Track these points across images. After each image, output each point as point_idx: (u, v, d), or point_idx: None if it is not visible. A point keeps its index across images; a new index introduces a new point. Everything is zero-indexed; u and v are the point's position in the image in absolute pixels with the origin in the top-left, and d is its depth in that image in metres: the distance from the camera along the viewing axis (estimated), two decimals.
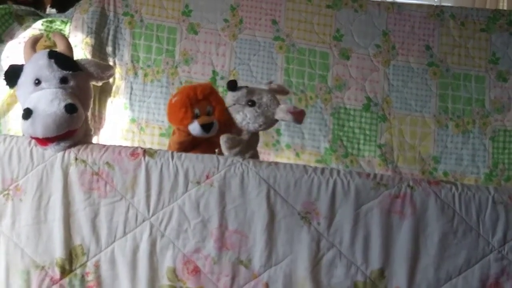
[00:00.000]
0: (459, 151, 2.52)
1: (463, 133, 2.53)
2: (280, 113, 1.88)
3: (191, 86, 1.96)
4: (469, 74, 2.59)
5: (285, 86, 2.11)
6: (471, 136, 2.53)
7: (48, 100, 1.69)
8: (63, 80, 1.76)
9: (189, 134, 1.86)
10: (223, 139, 1.82)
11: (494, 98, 2.56)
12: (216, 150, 1.89)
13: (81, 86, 1.81)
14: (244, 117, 1.89)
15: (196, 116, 1.86)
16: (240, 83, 2.44)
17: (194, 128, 1.84)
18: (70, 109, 1.68)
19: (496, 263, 1.59)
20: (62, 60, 1.80)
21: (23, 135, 1.75)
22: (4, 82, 1.83)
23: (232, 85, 1.93)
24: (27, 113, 1.68)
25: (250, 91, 1.93)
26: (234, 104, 1.91)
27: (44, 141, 1.70)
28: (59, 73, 1.76)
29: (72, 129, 1.71)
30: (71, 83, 1.77)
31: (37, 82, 1.74)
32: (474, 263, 1.60)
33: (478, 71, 2.60)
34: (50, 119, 1.67)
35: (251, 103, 1.90)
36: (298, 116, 1.89)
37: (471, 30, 2.64)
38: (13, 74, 1.81)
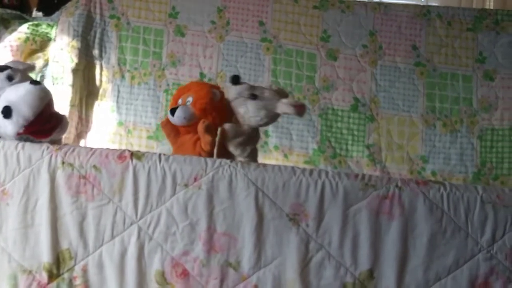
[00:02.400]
0: (447, 150, 2.53)
1: (451, 132, 2.54)
2: (283, 106, 1.92)
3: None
4: (456, 74, 2.61)
5: (284, 89, 2.13)
6: (458, 136, 2.54)
7: (15, 91, 1.74)
8: (10, 77, 1.83)
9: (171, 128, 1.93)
10: (226, 127, 1.87)
11: (481, 97, 2.57)
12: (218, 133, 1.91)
13: (23, 76, 1.86)
14: (246, 111, 1.93)
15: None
16: (229, 85, 2.47)
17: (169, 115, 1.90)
18: (35, 82, 1.78)
19: (485, 262, 1.59)
20: None
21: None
22: None
23: (235, 79, 1.96)
24: (8, 110, 1.70)
25: (252, 86, 1.97)
26: (236, 98, 1.94)
27: (38, 133, 1.75)
28: (2, 75, 1.83)
29: (48, 102, 1.78)
30: (16, 77, 1.84)
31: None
32: (463, 263, 1.60)
33: (465, 70, 2.61)
34: (29, 97, 1.72)
35: (254, 97, 1.93)
36: (300, 109, 1.93)
37: (458, 30, 2.66)
38: None
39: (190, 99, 1.90)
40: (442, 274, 1.60)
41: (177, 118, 1.85)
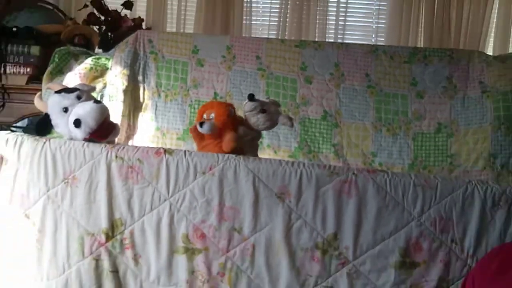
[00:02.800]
0: (390, 148, 2.53)
1: (393, 135, 2.54)
2: (283, 119, 2.01)
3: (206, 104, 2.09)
4: (396, 93, 2.61)
5: (277, 101, 2.16)
6: (398, 138, 2.54)
7: (83, 107, 1.76)
8: (79, 97, 1.83)
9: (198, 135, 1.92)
10: (240, 129, 1.95)
11: (414, 110, 2.57)
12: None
13: (88, 96, 1.87)
14: (257, 120, 1.97)
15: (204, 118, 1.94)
16: (234, 102, 2.49)
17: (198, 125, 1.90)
18: (97, 101, 1.80)
19: (416, 228, 1.61)
20: (67, 90, 1.87)
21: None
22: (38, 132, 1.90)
23: (251, 97, 1.98)
24: (78, 122, 1.73)
25: (263, 103, 1.99)
26: (251, 111, 1.97)
27: (99, 137, 1.78)
28: (73, 95, 1.82)
29: (106, 115, 1.80)
30: (83, 96, 1.83)
31: (65, 110, 1.79)
32: (400, 228, 1.61)
33: (402, 91, 2.61)
34: (94, 113, 1.74)
35: (264, 111, 1.97)
36: (292, 121, 2.05)
37: (397, 62, 2.65)
38: (43, 126, 1.89)
39: (212, 115, 1.90)
40: (386, 236, 1.62)
41: (204, 130, 1.86)
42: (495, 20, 3.28)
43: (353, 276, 1.62)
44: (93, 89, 2.07)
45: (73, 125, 1.75)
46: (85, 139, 1.75)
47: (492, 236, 1.57)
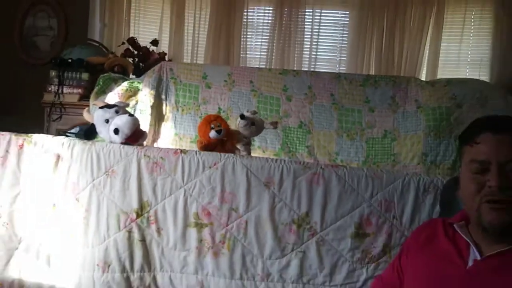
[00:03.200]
0: (349, 149, 2.53)
1: (351, 139, 2.54)
2: (268, 124, 2.05)
3: (207, 115, 2.05)
4: (354, 109, 2.60)
5: (256, 111, 2.18)
6: (355, 141, 2.54)
7: (120, 119, 1.76)
8: (117, 111, 1.82)
9: (210, 139, 1.90)
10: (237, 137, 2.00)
11: (367, 121, 2.57)
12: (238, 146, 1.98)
13: (124, 110, 1.86)
14: (250, 132, 2.00)
15: (211, 129, 1.90)
16: (233, 114, 2.50)
17: (212, 134, 1.89)
18: (130, 114, 1.80)
19: (367, 208, 1.61)
20: (108, 106, 1.86)
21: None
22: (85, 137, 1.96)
23: (242, 116, 1.99)
24: (117, 130, 1.73)
25: (251, 118, 2.00)
26: (244, 125, 1.98)
27: (132, 141, 1.78)
28: (112, 110, 1.82)
29: (137, 125, 1.80)
30: (120, 111, 1.82)
31: (106, 121, 1.79)
32: (355, 208, 1.61)
33: (358, 107, 2.61)
34: (128, 123, 1.75)
35: (253, 124, 1.98)
36: (275, 125, 2.08)
37: (354, 85, 2.65)
38: (90, 133, 1.93)
39: (218, 124, 1.94)
40: (344, 214, 1.62)
41: (222, 135, 1.93)
42: (426, 54, 3.29)
43: (320, 244, 1.62)
44: (127, 105, 2.08)
45: (113, 133, 1.75)
46: (122, 143, 1.75)
47: (423, 214, 1.58)
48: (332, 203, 1.61)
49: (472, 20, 3.27)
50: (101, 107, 1.86)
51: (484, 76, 3.18)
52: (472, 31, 3.29)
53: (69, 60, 2.86)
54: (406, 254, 1.27)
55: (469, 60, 3.29)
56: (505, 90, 2.67)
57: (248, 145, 2.01)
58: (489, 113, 2.33)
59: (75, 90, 2.83)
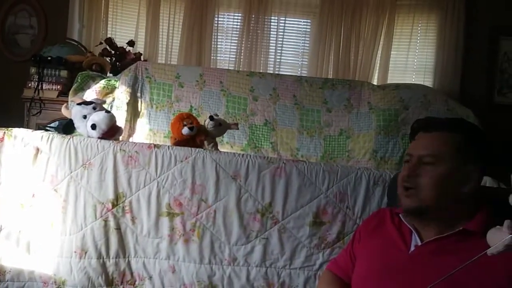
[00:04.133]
0: (308, 145, 2.55)
1: (311, 137, 2.56)
2: (231, 126, 2.01)
3: (180, 113, 2.00)
4: (314, 109, 2.62)
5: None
6: (314, 138, 2.56)
7: (98, 115, 1.72)
8: (94, 108, 1.78)
9: (183, 135, 1.88)
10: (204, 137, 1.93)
11: (325, 120, 2.60)
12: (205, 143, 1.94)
13: (101, 107, 1.82)
14: (217, 132, 1.97)
15: (184, 125, 1.87)
16: (204, 112, 2.48)
17: (185, 130, 1.87)
18: (107, 111, 1.76)
19: (324, 199, 1.63)
20: (86, 103, 1.83)
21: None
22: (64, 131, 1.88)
23: (211, 118, 1.96)
24: (94, 126, 1.69)
25: (218, 120, 1.97)
26: (212, 126, 1.95)
27: (108, 136, 1.73)
28: (90, 106, 1.79)
29: (114, 121, 1.75)
30: (97, 107, 1.79)
31: (84, 117, 1.75)
32: (313, 199, 1.63)
33: (317, 107, 2.63)
34: (105, 119, 1.71)
35: (220, 125, 1.96)
36: (237, 126, 2.04)
37: (315, 88, 2.67)
38: (68, 127, 1.85)
39: (190, 121, 1.90)
40: (303, 204, 1.63)
41: (194, 131, 1.88)
42: (378, 60, 3.35)
43: (282, 231, 1.63)
44: (104, 102, 2.04)
45: (90, 128, 1.71)
46: (99, 138, 1.71)
47: (373, 204, 1.61)
48: (293, 194, 1.63)
49: (419, 32, 3.36)
50: (79, 104, 1.81)
51: (428, 82, 3.26)
52: (418, 41, 3.37)
53: (49, 58, 2.77)
54: (358, 240, 1.31)
55: (415, 67, 3.37)
56: (446, 95, 2.76)
57: (215, 143, 2.00)
58: (431, 115, 2.45)
59: (54, 87, 2.76)
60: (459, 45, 3.19)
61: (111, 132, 1.75)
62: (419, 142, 1.17)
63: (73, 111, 1.80)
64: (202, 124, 1.97)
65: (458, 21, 3.19)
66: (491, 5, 3.22)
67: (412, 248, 1.14)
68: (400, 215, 1.22)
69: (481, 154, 1.13)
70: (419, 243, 1.13)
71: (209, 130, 1.96)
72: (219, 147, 2.04)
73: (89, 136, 1.73)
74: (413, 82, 3.20)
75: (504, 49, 3.25)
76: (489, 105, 3.21)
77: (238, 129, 2.14)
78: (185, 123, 1.91)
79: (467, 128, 1.16)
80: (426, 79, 3.30)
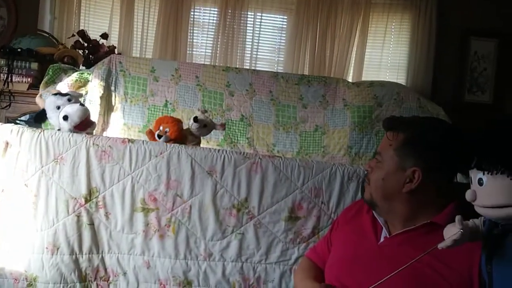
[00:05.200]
0: (284, 141, 2.56)
1: (287, 132, 2.57)
2: (217, 127, 1.98)
3: (160, 118, 1.95)
4: (290, 104, 2.63)
5: (206, 110, 2.13)
6: (290, 134, 2.58)
7: (71, 107, 1.69)
8: (69, 100, 1.75)
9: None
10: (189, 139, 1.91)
11: (300, 116, 2.62)
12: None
13: (76, 99, 1.78)
14: (201, 132, 1.94)
15: (158, 136, 1.83)
16: (179, 107, 2.46)
17: (156, 135, 1.84)
18: (82, 104, 1.73)
19: (299, 194, 1.63)
20: (62, 94, 1.78)
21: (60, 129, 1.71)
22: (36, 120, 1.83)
23: (195, 119, 1.92)
24: (66, 117, 1.66)
25: (203, 120, 1.93)
26: (197, 128, 1.92)
27: (81, 129, 1.70)
28: (65, 98, 1.75)
29: (87, 115, 1.72)
30: (72, 99, 1.75)
31: (58, 107, 1.71)
32: (289, 194, 1.63)
33: (293, 103, 2.64)
34: (78, 112, 1.68)
35: (204, 126, 1.93)
36: (223, 127, 2.02)
37: (291, 84, 2.68)
38: (40, 117, 1.79)
39: (167, 129, 1.84)
40: (279, 199, 1.64)
41: (162, 141, 1.80)
42: (353, 58, 3.39)
43: (257, 226, 1.63)
44: (81, 95, 1.98)
45: (62, 119, 1.67)
46: (69, 130, 1.68)
47: (347, 199, 1.63)
48: (269, 189, 1.63)
49: (393, 30, 3.42)
50: (54, 94, 1.77)
51: (401, 80, 3.33)
52: (392, 40, 3.43)
53: (19, 50, 2.69)
54: (336, 229, 1.39)
55: (389, 65, 3.43)
56: (418, 93, 2.82)
57: (197, 142, 1.97)
58: (404, 112, 2.51)
59: (24, 79, 2.67)
60: (431, 44, 3.27)
61: (83, 125, 1.71)
62: (386, 139, 1.21)
63: (47, 101, 1.76)
64: (185, 127, 1.94)
65: (431, 21, 3.27)
66: (462, 6, 3.31)
67: (382, 240, 1.21)
68: None
69: (420, 154, 1.14)
70: (388, 235, 1.21)
71: (193, 132, 1.93)
72: None
73: (59, 129, 1.69)
74: (387, 80, 3.25)
75: (474, 48, 3.35)
76: (460, 103, 3.30)
77: (224, 129, 2.12)
78: (161, 127, 1.83)
79: (413, 127, 1.18)
80: (399, 77, 3.37)
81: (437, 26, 3.27)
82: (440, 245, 0.96)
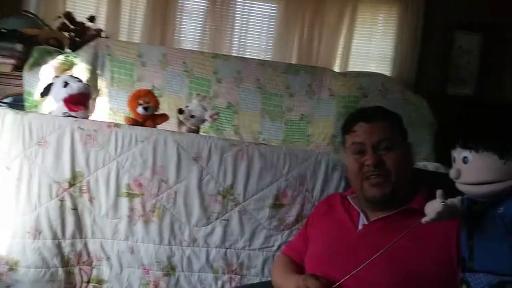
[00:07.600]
0: (270, 129, 2.56)
1: (273, 121, 2.58)
2: (207, 117, 1.94)
3: (137, 90, 1.96)
4: (277, 93, 2.63)
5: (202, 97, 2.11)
6: (276, 123, 2.58)
7: (77, 83, 1.74)
8: (79, 81, 1.78)
9: (138, 115, 1.83)
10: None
11: (287, 105, 2.62)
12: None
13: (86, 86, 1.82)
14: (191, 123, 1.91)
15: (139, 104, 1.81)
16: (166, 93, 2.42)
17: (139, 110, 1.82)
18: (88, 85, 1.80)
19: (284, 182, 1.63)
20: (75, 78, 1.82)
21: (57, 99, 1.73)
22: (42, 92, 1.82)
23: (180, 111, 1.91)
24: (66, 83, 1.69)
25: (190, 111, 1.90)
26: (185, 119, 1.90)
27: (75, 103, 1.70)
28: (76, 79, 1.79)
29: (88, 92, 1.78)
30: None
31: (65, 84, 1.73)
32: (274, 182, 1.63)
33: (280, 92, 2.63)
34: (80, 84, 1.75)
35: (192, 116, 1.90)
36: (214, 116, 1.98)
37: (279, 72, 2.66)
38: (47, 89, 1.79)
39: (147, 100, 1.83)
40: (264, 187, 1.63)
41: (149, 112, 1.82)
42: (340, 48, 3.38)
43: (242, 213, 1.63)
44: (96, 95, 2.03)
45: (62, 86, 1.69)
46: (65, 99, 1.65)
47: (331, 187, 1.63)
48: (254, 177, 1.62)
49: (380, 22, 3.42)
50: (71, 76, 1.83)
51: (387, 71, 3.33)
52: (379, 31, 3.43)
53: (3, 30, 2.60)
54: (311, 224, 1.38)
55: (375, 56, 3.43)
56: (403, 85, 2.83)
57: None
58: (388, 104, 2.52)
59: (7, 61, 2.58)
60: (417, 37, 3.28)
61: (78, 100, 1.70)
62: (365, 131, 1.21)
63: (61, 77, 1.79)
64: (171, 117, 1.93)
65: (417, 14, 3.28)
66: (448, 0, 3.31)
67: (360, 228, 1.22)
68: (348, 197, 1.29)
69: (406, 133, 1.26)
70: (366, 223, 1.22)
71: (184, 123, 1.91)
72: (182, 129, 1.99)
73: (55, 99, 1.70)
74: (372, 71, 3.25)
75: (459, 42, 3.37)
76: (443, 96, 3.32)
77: (216, 119, 2.08)
78: (141, 101, 1.83)
79: (391, 114, 1.28)
80: (385, 68, 3.37)
81: (423, 19, 3.28)
82: (424, 219, 0.97)
